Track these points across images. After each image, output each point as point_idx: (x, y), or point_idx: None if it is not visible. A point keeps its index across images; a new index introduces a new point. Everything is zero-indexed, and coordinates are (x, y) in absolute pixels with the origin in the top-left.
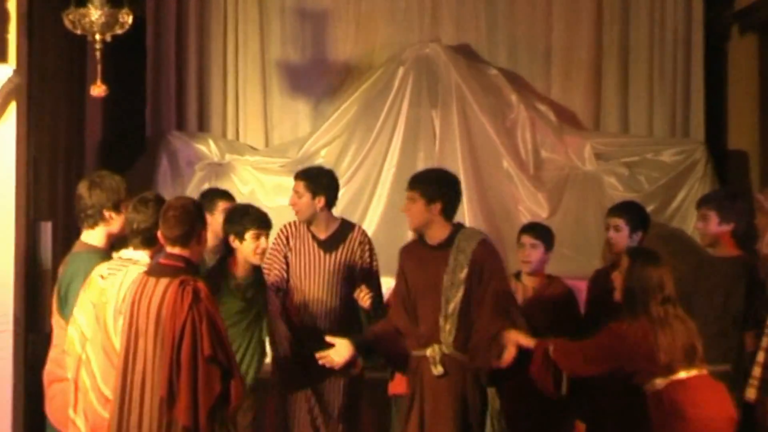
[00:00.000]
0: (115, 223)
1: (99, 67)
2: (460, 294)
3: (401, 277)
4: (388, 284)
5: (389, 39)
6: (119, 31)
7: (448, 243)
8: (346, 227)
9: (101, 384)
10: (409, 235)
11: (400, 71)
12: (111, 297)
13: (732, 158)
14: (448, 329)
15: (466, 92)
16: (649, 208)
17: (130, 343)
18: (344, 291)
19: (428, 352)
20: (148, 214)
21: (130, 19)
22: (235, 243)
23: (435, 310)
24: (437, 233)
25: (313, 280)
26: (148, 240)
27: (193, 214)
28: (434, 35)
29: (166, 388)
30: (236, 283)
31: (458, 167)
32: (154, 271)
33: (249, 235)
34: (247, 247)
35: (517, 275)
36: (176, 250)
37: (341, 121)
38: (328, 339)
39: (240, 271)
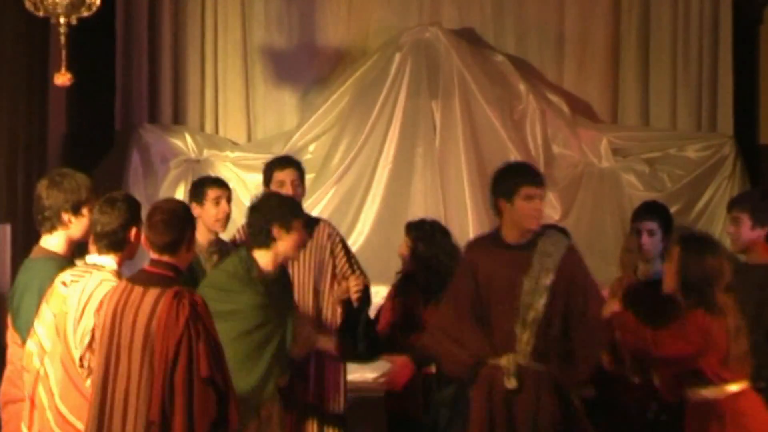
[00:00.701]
0: (75, 227)
1: (63, 53)
2: (543, 301)
3: (468, 276)
4: (381, 293)
5: (385, 22)
6: (86, 14)
7: (529, 244)
8: (310, 223)
9: (59, 402)
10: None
11: (397, 57)
12: (71, 305)
13: (763, 154)
14: (525, 339)
15: (469, 81)
16: (673, 209)
17: (110, 358)
18: (320, 293)
19: (502, 362)
20: (114, 216)
21: (98, 0)
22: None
23: (511, 316)
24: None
25: None
26: (115, 244)
27: (182, 219)
28: (435, 18)
29: (158, 412)
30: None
31: (461, 163)
32: (140, 279)
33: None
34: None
35: None
36: (164, 258)
37: (331, 113)
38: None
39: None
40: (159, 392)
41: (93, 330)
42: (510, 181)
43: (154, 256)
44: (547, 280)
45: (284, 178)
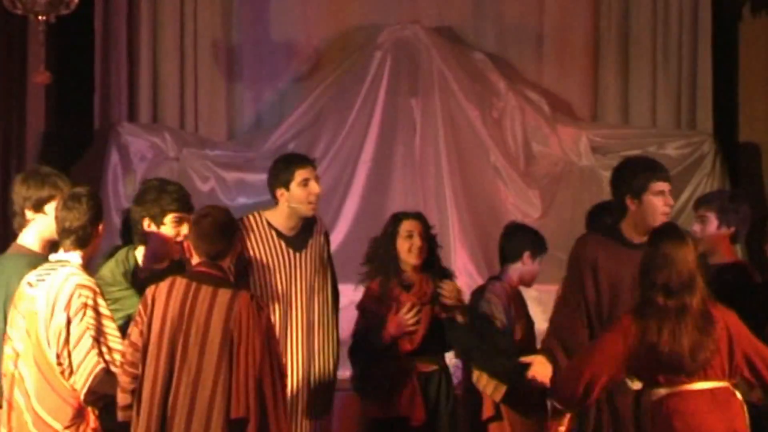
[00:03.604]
0: (40, 224)
1: (42, 52)
2: None
3: (586, 276)
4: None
5: (364, 20)
6: (65, 11)
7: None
8: (308, 219)
9: (36, 404)
10: None
11: (377, 55)
12: (41, 306)
13: (743, 151)
14: None
15: (449, 79)
16: None
17: (176, 354)
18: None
19: None
20: (81, 212)
21: None
22: (150, 228)
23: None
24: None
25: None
26: (82, 240)
27: (231, 228)
28: (414, 16)
29: (244, 410)
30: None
31: (441, 161)
32: (204, 279)
33: (169, 219)
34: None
35: None
36: (214, 261)
37: (311, 111)
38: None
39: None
40: (244, 390)
41: (89, 327)
42: (639, 176)
43: (201, 260)
44: None
45: (308, 175)
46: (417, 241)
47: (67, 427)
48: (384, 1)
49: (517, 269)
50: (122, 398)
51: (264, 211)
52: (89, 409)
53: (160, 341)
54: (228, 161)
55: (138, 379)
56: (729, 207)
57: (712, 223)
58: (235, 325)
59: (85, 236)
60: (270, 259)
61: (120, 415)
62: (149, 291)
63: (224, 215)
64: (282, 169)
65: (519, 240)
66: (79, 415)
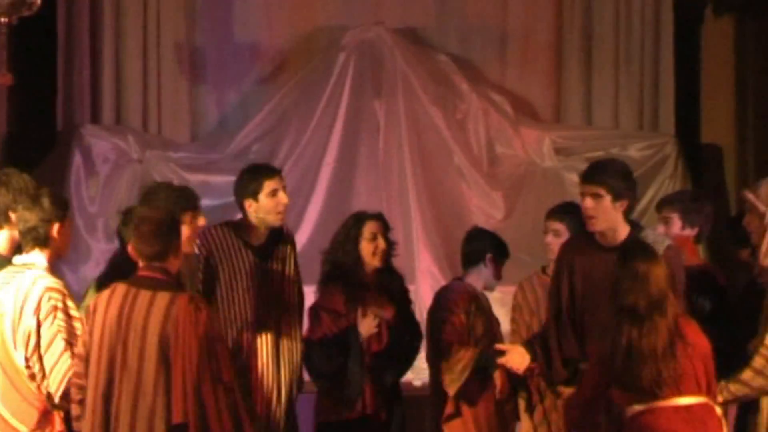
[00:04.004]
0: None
1: (4, 54)
2: None
3: (563, 280)
4: None
5: (328, 21)
6: (27, 13)
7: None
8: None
9: (2, 409)
10: None
11: (340, 57)
12: (7, 308)
13: (705, 153)
14: None
15: (413, 80)
16: None
17: (116, 361)
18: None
19: None
20: (36, 212)
21: (39, 0)
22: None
23: (603, 325)
24: (621, 233)
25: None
26: (38, 240)
27: (170, 229)
28: (378, 18)
29: (182, 415)
30: None
31: (404, 163)
32: (143, 283)
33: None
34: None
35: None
36: (156, 264)
37: (275, 113)
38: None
39: None
40: (182, 395)
41: (60, 330)
42: None
43: (143, 263)
44: None
45: (276, 186)
46: (381, 244)
47: (33, 430)
48: (348, 3)
49: (479, 273)
50: (74, 408)
51: (229, 222)
52: (56, 412)
53: (101, 350)
54: (191, 163)
55: (84, 390)
56: (692, 207)
57: (676, 224)
58: (172, 328)
59: (40, 236)
60: (238, 269)
61: (74, 425)
62: (92, 300)
63: (162, 215)
64: (250, 180)
65: (480, 244)
66: (45, 419)
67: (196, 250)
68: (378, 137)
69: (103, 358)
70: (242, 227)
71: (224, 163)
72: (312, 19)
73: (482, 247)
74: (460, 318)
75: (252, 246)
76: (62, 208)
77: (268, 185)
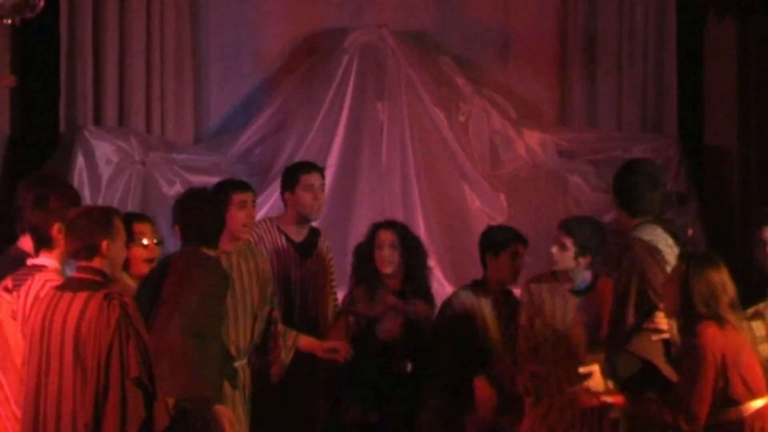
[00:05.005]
0: None
1: (8, 55)
2: None
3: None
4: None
5: (331, 24)
6: (30, 15)
7: None
8: (315, 231)
9: (16, 411)
10: (353, 243)
11: (344, 59)
12: (18, 310)
13: (709, 155)
14: None
15: (415, 82)
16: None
17: (41, 366)
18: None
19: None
20: (40, 212)
21: (42, 1)
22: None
23: None
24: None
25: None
26: (42, 241)
27: (96, 224)
28: (381, 20)
29: (91, 413)
30: None
31: (407, 165)
32: (68, 286)
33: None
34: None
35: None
36: (90, 263)
37: (277, 115)
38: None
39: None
40: (92, 394)
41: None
42: None
43: (79, 263)
44: None
45: (313, 182)
46: (387, 252)
47: None
48: (350, 5)
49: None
50: None
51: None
52: None
53: (30, 356)
54: (194, 165)
55: None
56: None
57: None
58: (85, 329)
59: (43, 237)
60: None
61: None
62: (30, 307)
63: (85, 212)
64: (289, 173)
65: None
66: None
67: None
68: (381, 139)
69: (32, 364)
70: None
71: (227, 165)
72: (315, 22)
73: None
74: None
75: (293, 241)
76: (67, 210)
77: (305, 179)
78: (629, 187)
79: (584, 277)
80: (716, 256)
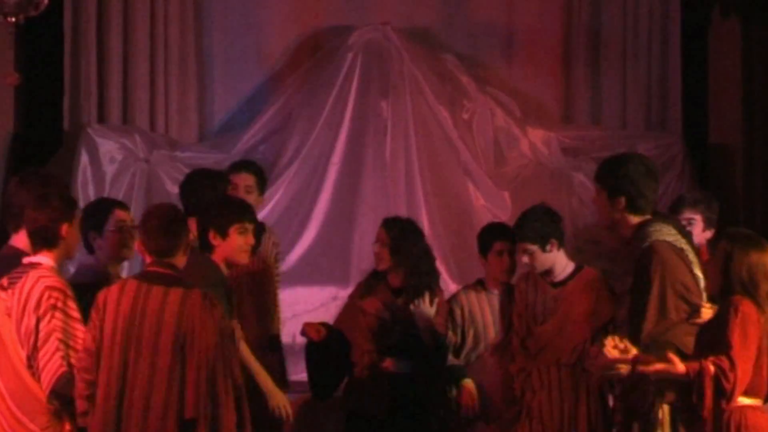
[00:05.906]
0: None
1: (12, 53)
2: None
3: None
4: (328, 293)
5: (335, 21)
6: (34, 13)
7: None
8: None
9: (15, 409)
10: (357, 240)
11: (348, 57)
12: (13, 307)
13: (713, 153)
14: None
15: (420, 80)
16: None
17: (130, 357)
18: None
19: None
20: (46, 212)
21: None
22: (216, 240)
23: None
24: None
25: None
26: (47, 240)
27: (178, 224)
28: (384, 17)
29: (194, 410)
30: None
31: (411, 163)
32: (155, 279)
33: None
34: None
35: None
36: (165, 260)
37: (281, 113)
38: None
39: None
40: (196, 390)
41: (56, 329)
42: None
43: (151, 259)
44: None
45: (237, 182)
46: (376, 249)
47: (44, 429)
48: (354, 3)
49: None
50: (79, 404)
51: None
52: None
53: (113, 345)
54: (199, 163)
55: (94, 385)
56: (712, 209)
57: (699, 225)
58: (188, 324)
59: (48, 237)
60: None
61: (79, 422)
62: (101, 295)
63: (169, 211)
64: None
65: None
66: (55, 418)
67: None
68: (385, 137)
69: (116, 352)
70: None
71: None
72: (319, 20)
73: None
74: None
75: None
76: (71, 208)
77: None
78: (631, 183)
79: (565, 267)
80: (760, 237)
